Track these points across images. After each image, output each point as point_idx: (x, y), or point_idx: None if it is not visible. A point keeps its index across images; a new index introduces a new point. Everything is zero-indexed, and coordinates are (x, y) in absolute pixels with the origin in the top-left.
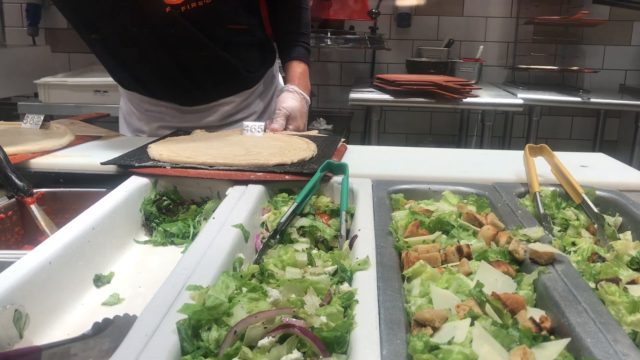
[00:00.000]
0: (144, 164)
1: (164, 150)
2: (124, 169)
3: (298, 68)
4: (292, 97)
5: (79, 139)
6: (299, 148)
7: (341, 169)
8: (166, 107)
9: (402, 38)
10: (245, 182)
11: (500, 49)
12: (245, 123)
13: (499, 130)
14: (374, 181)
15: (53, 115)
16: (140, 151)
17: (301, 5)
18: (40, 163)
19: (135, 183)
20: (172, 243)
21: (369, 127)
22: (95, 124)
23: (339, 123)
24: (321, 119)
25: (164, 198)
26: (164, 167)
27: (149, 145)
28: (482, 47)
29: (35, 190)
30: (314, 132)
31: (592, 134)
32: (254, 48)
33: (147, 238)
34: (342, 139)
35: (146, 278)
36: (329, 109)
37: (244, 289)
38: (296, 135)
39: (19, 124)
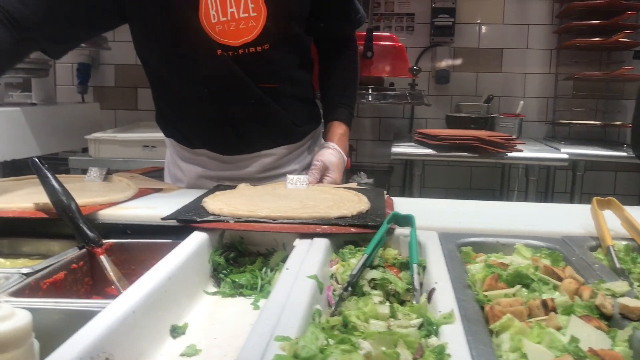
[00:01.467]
0: (205, 219)
1: (222, 205)
2: (186, 224)
3: (339, 129)
4: (329, 153)
5: (142, 192)
6: (351, 200)
7: (407, 221)
8: (207, 156)
9: (440, 94)
10: (310, 235)
11: (539, 104)
12: (290, 176)
13: (541, 185)
14: (441, 234)
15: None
16: (195, 205)
17: (352, 68)
18: (108, 215)
19: (202, 235)
20: (241, 294)
21: (410, 181)
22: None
23: (379, 177)
24: (362, 172)
25: (231, 250)
26: (227, 222)
27: (204, 200)
28: (522, 102)
29: (104, 241)
30: (354, 184)
31: (636, 189)
32: (302, 103)
33: (215, 289)
34: (385, 192)
35: (220, 329)
36: (368, 163)
37: (330, 341)
38: (341, 187)
39: (82, 177)
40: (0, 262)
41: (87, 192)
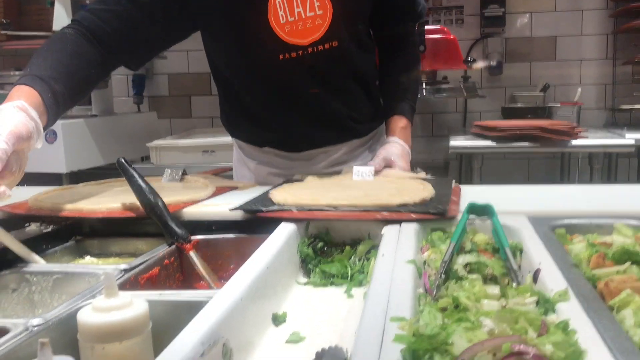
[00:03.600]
0: (270, 208)
1: (287, 195)
2: (252, 213)
3: (400, 122)
4: (391, 146)
5: (219, 190)
6: (416, 189)
7: (485, 211)
8: (272, 154)
9: (494, 86)
10: (398, 222)
11: (597, 91)
12: (356, 168)
13: (604, 174)
14: (530, 217)
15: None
16: (263, 197)
17: (414, 63)
18: (192, 212)
19: (288, 227)
20: (332, 284)
21: (469, 174)
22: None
23: (436, 173)
24: (419, 168)
25: (317, 240)
26: (290, 210)
27: (271, 192)
28: (580, 89)
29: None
30: (422, 174)
31: None
32: (369, 100)
33: (306, 279)
34: (453, 180)
35: (319, 317)
36: (423, 159)
37: (447, 320)
38: (407, 177)
39: (158, 179)
40: (93, 261)
41: (168, 191)
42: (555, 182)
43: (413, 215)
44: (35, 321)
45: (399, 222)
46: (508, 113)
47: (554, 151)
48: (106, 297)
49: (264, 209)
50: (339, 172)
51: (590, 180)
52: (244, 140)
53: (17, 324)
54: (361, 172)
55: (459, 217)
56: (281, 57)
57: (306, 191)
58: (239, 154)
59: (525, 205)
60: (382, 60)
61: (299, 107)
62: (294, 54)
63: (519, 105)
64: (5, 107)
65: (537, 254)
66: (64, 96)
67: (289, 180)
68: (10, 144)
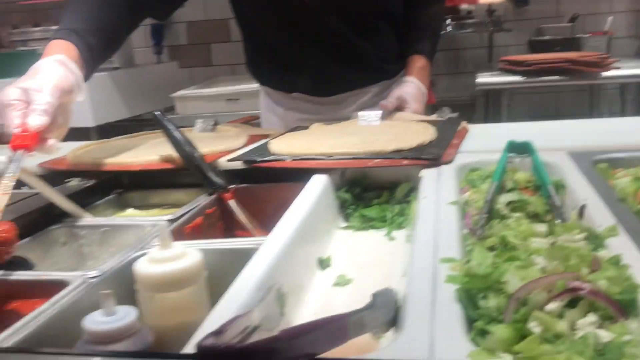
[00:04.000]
0: (265, 159)
1: (283, 144)
2: (248, 164)
3: (418, 62)
4: (407, 85)
5: (252, 138)
6: (416, 132)
7: (525, 148)
8: (302, 99)
9: (520, 19)
10: (438, 164)
11: (629, 18)
12: (361, 113)
13: (636, 105)
14: (570, 153)
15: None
16: (262, 147)
17: (437, 3)
18: (231, 162)
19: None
20: (372, 227)
21: (497, 111)
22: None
23: (462, 111)
24: (445, 107)
25: (355, 186)
26: (285, 160)
27: (270, 141)
28: (610, 18)
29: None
30: (434, 117)
31: None
32: (393, 41)
33: (346, 224)
34: (463, 122)
35: (362, 260)
36: (449, 98)
37: (497, 260)
38: (414, 120)
39: (189, 130)
40: (135, 213)
41: (202, 142)
42: (585, 116)
43: (405, 162)
44: (92, 273)
45: (438, 164)
46: (535, 46)
47: (583, 84)
48: (161, 248)
49: (258, 159)
50: None
51: (622, 112)
52: (273, 87)
53: (76, 277)
54: (366, 117)
55: (454, 159)
56: None
57: (304, 140)
58: (267, 101)
59: (564, 141)
60: (408, 3)
61: (328, 49)
62: None
63: (547, 37)
64: (45, 62)
65: (581, 190)
66: (98, 49)
67: (295, 128)
68: (55, 97)
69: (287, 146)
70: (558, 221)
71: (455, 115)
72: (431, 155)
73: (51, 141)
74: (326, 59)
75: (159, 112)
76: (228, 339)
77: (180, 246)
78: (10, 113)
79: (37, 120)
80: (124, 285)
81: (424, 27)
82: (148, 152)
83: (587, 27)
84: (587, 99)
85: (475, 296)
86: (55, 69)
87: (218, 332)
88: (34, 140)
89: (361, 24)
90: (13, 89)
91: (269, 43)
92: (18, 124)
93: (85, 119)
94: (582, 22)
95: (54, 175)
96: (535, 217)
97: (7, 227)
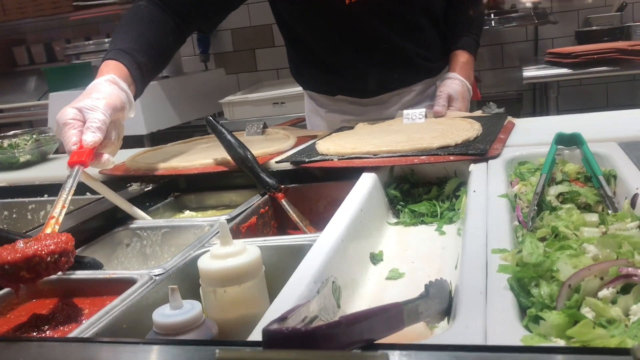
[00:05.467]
0: (313, 159)
1: (330, 145)
2: (296, 164)
3: (462, 57)
4: (451, 82)
5: (301, 140)
6: (462, 129)
7: (574, 140)
8: (345, 101)
9: (565, 10)
10: (485, 159)
11: None
12: (406, 111)
13: None
14: (621, 144)
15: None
16: (310, 147)
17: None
18: (279, 163)
19: (372, 172)
20: (422, 222)
21: (545, 104)
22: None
23: (509, 106)
24: (491, 103)
25: (404, 182)
26: (332, 160)
27: (317, 142)
28: None
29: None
30: (478, 113)
31: None
32: (436, 38)
33: (396, 219)
34: (509, 116)
35: (413, 254)
36: (495, 93)
37: (548, 250)
38: (459, 117)
39: (241, 133)
40: (192, 214)
41: (253, 144)
42: (637, 106)
43: (451, 158)
44: (157, 271)
45: (485, 159)
46: (583, 37)
47: (634, 73)
48: (222, 245)
49: (307, 159)
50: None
51: None
52: (316, 90)
53: (142, 275)
54: (411, 116)
55: (500, 154)
56: (348, 1)
57: (351, 139)
58: (311, 104)
59: (614, 132)
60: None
61: (369, 50)
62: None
63: (594, 27)
64: (98, 82)
65: (633, 179)
66: (147, 66)
67: (341, 128)
68: (107, 115)
69: (334, 146)
70: (610, 211)
71: (501, 110)
72: (477, 150)
73: (105, 156)
74: (368, 60)
75: (212, 117)
76: (292, 325)
77: (240, 243)
78: (68, 132)
79: (91, 137)
80: (187, 281)
81: (466, 22)
82: (202, 156)
83: (637, 16)
84: (639, 89)
85: (527, 285)
86: (107, 88)
87: (282, 319)
88: (89, 156)
89: (402, 23)
90: (69, 109)
91: (310, 47)
92: (75, 142)
93: (139, 127)
94: (631, 11)
95: (114, 181)
96: (586, 208)
97: (66, 237)
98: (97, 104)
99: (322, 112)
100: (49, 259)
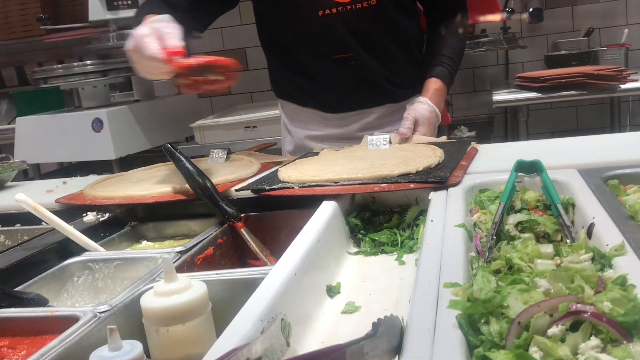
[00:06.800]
0: (273, 187)
1: (292, 172)
2: (257, 193)
3: (434, 85)
4: (421, 106)
5: (265, 166)
6: (424, 155)
7: (534, 167)
8: (313, 114)
9: (535, 34)
10: (445, 187)
11: None
12: (370, 137)
13: None
14: (581, 170)
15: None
16: (272, 175)
17: (457, 34)
18: (239, 191)
19: (333, 199)
20: (383, 252)
21: (516, 128)
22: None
23: (480, 129)
24: (462, 126)
25: (365, 210)
26: (292, 188)
27: (279, 169)
28: (626, 30)
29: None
30: (443, 138)
31: None
32: (409, 64)
33: (356, 249)
34: (472, 142)
35: (372, 286)
36: (466, 117)
37: (501, 283)
38: (422, 143)
39: (205, 159)
40: (149, 245)
41: (216, 171)
42: (606, 129)
43: (412, 185)
44: (102, 308)
45: (445, 186)
46: (551, 62)
47: (602, 97)
48: (166, 281)
49: (267, 187)
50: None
51: None
52: (287, 97)
53: (86, 312)
54: (375, 142)
55: (461, 181)
56: (321, 13)
57: (313, 166)
58: (283, 119)
59: (575, 158)
60: (430, 32)
61: (337, 65)
62: (334, 10)
63: (563, 52)
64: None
65: (590, 207)
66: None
67: (306, 154)
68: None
69: (295, 173)
70: (568, 241)
71: (472, 134)
72: (437, 177)
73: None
74: (335, 74)
75: (169, 144)
76: None
77: (185, 278)
78: (149, 43)
79: (177, 42)
80: (134, 318)
81: (444, 54)
82: (161, 184)
83: (603, 41)
84: (608, 112)
85: (477, 321)
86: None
87: None
88: (182, 52)
89: (372, 43)
90: (144, 27)
91: (290, 58)
92: (158, 48)
93: (107, 152)
94: (598, 36)
95: (71, 210)
96: (545, 237)
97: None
98: (168, 22)
99: (289, 127)
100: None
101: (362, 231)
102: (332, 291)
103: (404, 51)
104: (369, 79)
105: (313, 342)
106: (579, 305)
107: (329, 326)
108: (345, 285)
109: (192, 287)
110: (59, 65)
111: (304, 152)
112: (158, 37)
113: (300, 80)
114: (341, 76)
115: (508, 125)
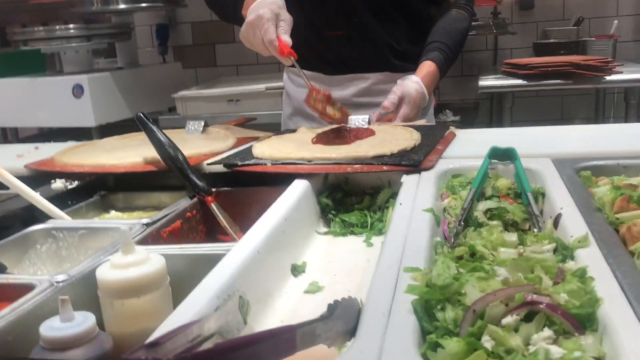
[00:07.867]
0: (246, 162)
1: (266, 148)
2: (229, 168)
3: (429, 67)
4: (411, 84)
5: (241, 141)
6: (401, 138)
7: (508, 154)
8: (313, 78)
9: (525, 21)
10: (417, 170)
11: (635, 22)
12: (350, 117)
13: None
14: (555, 160)
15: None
16: (246, 150)
17: (457, 26)
18: (211, 165)
19: (307, 178)
20: (352, 233)
21: (500, 114)
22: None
23: (466, 114)
24: (447, 110)
25: (337, 191)
26: (265, 165)
27: (254, 144)
28: (616, 22)
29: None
30: (422, 122)
31: None
32: (412, 34)
33: (326, 229)
34: (451, 127)
35: (337, 267)
36: (452, 101)
37: (461, 270)
38: (401, 125)
39: (181, 131)
40: (118, 215)
41: (189, 144)
42: (590, 120)
43: (385, 167)
44: (60, 277)
45: (418, 170)
46: (540, 49)
47: (587, 87)
48: (123, 254)
49: (239, 162)
50: (368, 105)
51: (626, 118)
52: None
53: (42, 281)
54: (354, 121)
55: (434, 165)
56: None
57: (289, 143)
58: (286, 86)
59: (551, 147)
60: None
61: (342, 22)
62: None
63: (552, 40)
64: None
65: (560, 198)
66: None
67: (284, 131)
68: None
69: (269, 150)
70: (535, 230)
71: (456, 118)
72: (411, 161)
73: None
74: (339, 35)
75: (142, 114)
76: (167, 351)
77: (143, 251)
78: (270, 27)
79: (288, 39)
80: (91, 290)
81: (442, 42)
82: (133, 153)
83: (593, 31)
84: (593, 103)
85: (433, 307)
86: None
87: (153, 344)
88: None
89: (381, 10)
90: (267, 10)
91: (296, 19)
92: (274, 37)
93: (87, 119)
94: (588, 26)
95: (39, 176)
96: (513, 226)
97: None
98: (286, 13)
99: (292, 89)
100: None
101: (332, 211)
102: (296, 270)
103: (410, 26)
104: (371, 39)
105: (272, 321)
106: (534, 296)
107: (290, 306)
108: (311, 265)
109: (150, 260)
110: (41, 28)
111: (301, 117)
112: (275, 21)
113: (308, 35)
114: (345, 35)
115: (493, 111)
